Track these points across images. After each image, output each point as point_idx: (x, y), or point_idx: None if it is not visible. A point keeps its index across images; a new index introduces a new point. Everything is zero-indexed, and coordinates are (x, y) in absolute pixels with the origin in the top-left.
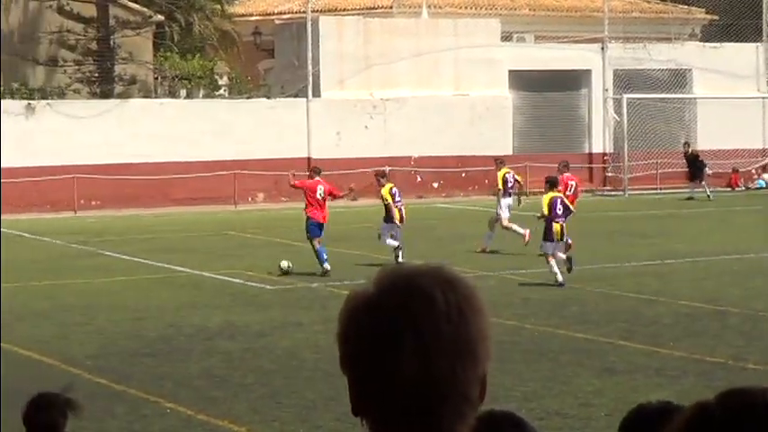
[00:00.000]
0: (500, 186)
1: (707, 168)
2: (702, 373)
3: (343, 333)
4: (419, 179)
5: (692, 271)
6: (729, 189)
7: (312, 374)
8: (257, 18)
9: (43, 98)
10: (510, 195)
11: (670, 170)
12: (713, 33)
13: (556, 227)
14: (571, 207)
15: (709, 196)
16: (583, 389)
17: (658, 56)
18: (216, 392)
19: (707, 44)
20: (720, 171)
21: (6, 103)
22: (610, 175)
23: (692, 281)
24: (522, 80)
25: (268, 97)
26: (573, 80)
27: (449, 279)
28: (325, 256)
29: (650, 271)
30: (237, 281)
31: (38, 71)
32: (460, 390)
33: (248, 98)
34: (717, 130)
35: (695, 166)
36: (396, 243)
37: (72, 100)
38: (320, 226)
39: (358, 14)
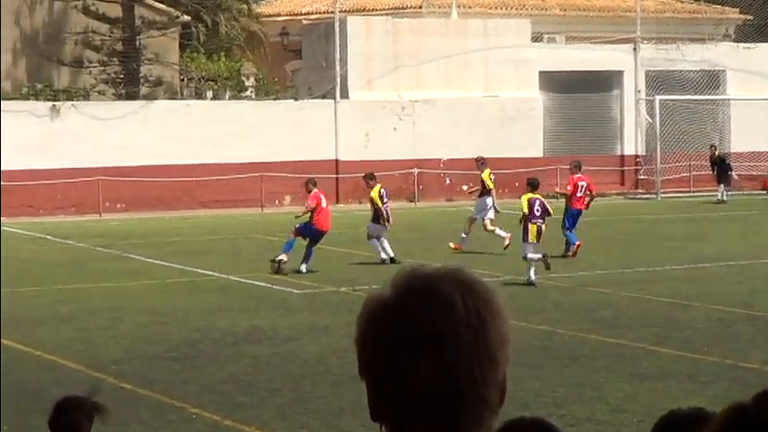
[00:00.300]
0: (490, 186)
1: (732, 172)
2: (736, 379)
3: (362, 337)
4: (448, 181)
5: (725, 275)
6: (764, 192)
7: (339, 379)
8: (284, 18)
9: (68, 99)
10: (491, 195)
11: (703, 172)
12: (747, 34)
13: (532, 228)
14: (550, 210)
15: (725, 200)
16: (614, 395)
17: (691, 56)
18: (242, 398)
19: (740, 45)
20: (755, 173)
21: (31, 104)
22: (642, 177)
23: (725, 285)
24: (553, 81)
25: (295, 99)
26: (604, 81)
27: (467, 282)
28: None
29: (683, 275)
30: (264, 284)
31: (63, 72)
32: (480, 394)
33: (275, 99)
34: (750, 132)
35: (721, 168)
36: (384, 255)
37: (97, 101)
38: (319, 237)
39: (386, 14)
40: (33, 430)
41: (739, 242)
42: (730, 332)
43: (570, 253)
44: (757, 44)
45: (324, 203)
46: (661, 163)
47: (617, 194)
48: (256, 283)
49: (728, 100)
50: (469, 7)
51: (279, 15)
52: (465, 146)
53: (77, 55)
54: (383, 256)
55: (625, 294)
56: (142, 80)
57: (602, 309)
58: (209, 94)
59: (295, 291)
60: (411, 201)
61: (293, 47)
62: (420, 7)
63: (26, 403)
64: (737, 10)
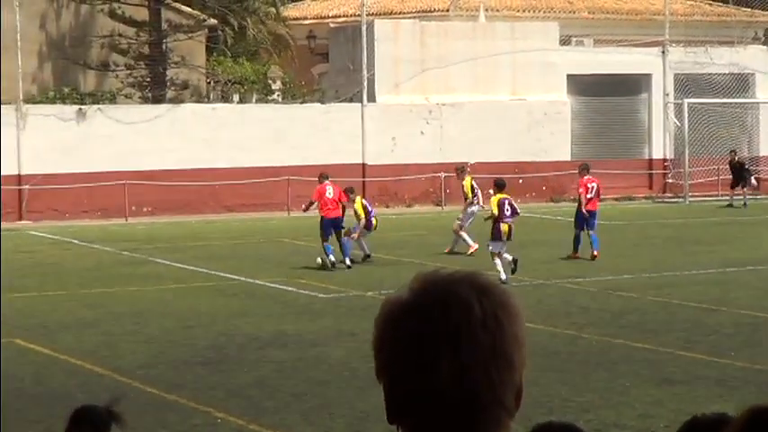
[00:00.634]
0: (469, 194)
1: (752, 177)
2: (764, 384)
3: (380, 340)
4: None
5: (753, 279)
6: None
7: (365, 384)
8: (311, 21)
9: (94, 103)
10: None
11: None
12: None
13: (504, 227)
14: (518, 209)
15: (745, 204)
16: (641, 400)
17: (720, 59)
18: (267, 402)
19: None
20: None
21: (58, 107)
22: (670, 181)
23: (753, 289)
24: (581, 85)
25: (322, 102)
26: (633, 85)
27: (484, 285)
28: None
29: (711, 279)
30: (290, 289)
31: (89, 76)
32: (496, 395)
33: (302, 103)
34: None
35: (741, 173)
36: (363, 252)
37: (123, 105)
38: (333, 224)
39: (414, 18)
40: None
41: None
42: (758, 337)
43: (576, 256)
44: None
45: (329, 194)
46: (689, 167)
47: (645, 198)
48: (282, 287)
49: (758, 103)
50: (497, 10)
51: (306, 18)
52: (492, 149)
53: (104, 58)
54: (368, 252)
55: (652, 299)
56: (168, 84)
57: (630, 313)
58: (236, 97)
59: (320, 295)
60: (438, 205)
61: (320, 50)
62: (447, 10)
63: (53, 409)
64: (767, 13)
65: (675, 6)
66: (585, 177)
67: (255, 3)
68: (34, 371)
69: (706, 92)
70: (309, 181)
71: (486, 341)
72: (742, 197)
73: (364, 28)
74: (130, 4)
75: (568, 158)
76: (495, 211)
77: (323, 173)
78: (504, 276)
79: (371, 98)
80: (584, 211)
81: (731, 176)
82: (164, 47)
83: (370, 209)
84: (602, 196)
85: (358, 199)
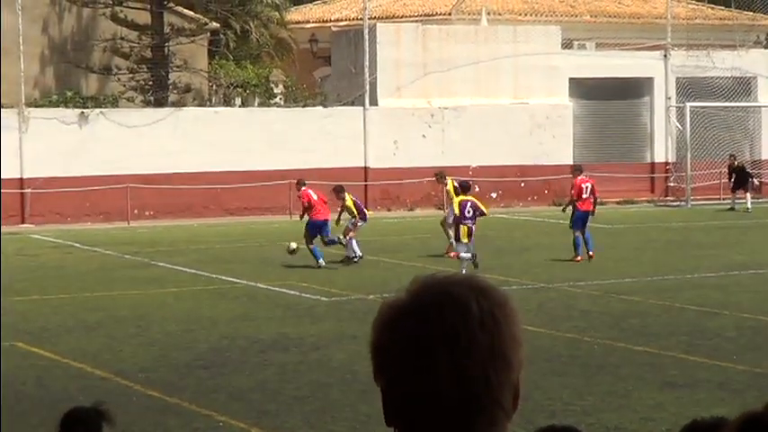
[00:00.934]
0: (454, 197)
1: (753, 179)
2: (766, 388)
3: (377, 341)
4: (477, 189)
5: (755, 283)
6: None
7: (366, 387)
8: (314, 25)
9: (97, 107)
10: None
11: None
12: None
13: (464, 229)
14: (484, 210)
15: (748, 209)
16: (643, 403)
17: (722, 63)
18: (269, 405)
19: None
20: None
21: (60, 111)
22: (672, 185)
23: (755, 293)
24: (583, 88)
25: (324, 105)
26: (635, 88)
27: (481, 286)
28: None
29: (712, 283)
30: (292, 292)
31: (91, 79)
32: (494, 396)
33: (304, 106)
34: None
35: (741, 177)
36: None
37: (126, 108)
38: (321, 226)
39: (416, 21)
40: None
41: None
42: (760, 340)
43: (576, 258)
44: None
45: (314, 197)
46: (691, 170)
47: (647, 202)
48: (284, 290)
49: (759, 107)
50: (499, 14)
51: (308, 22)
52: (494, 153)
53: (106, 62)
54: (359, 253)
55: (654, 302)
56: (171, 87)
57: (631, 317)
58: (238, 101)
59: (322, 298)
60: (440, 208)
61: (322, 54)
62: (449, 14)
63: (54, 412)
64: None
65: (677, 10)
66: (579, 178)
67: (258, 6)
68: (36, 374)
69: (708, 95)
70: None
71: (485, 341)
72: (745, 201)
73: (366, 31)
74: (133, 8)
75: (570, 162)
76: (457, 212)
77: (300, 179)
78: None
79: (373, 102)
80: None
81: (729, 180)
82: (166, 50)
83: (359, 204)
84: (601, 198)
85: (347, 196)
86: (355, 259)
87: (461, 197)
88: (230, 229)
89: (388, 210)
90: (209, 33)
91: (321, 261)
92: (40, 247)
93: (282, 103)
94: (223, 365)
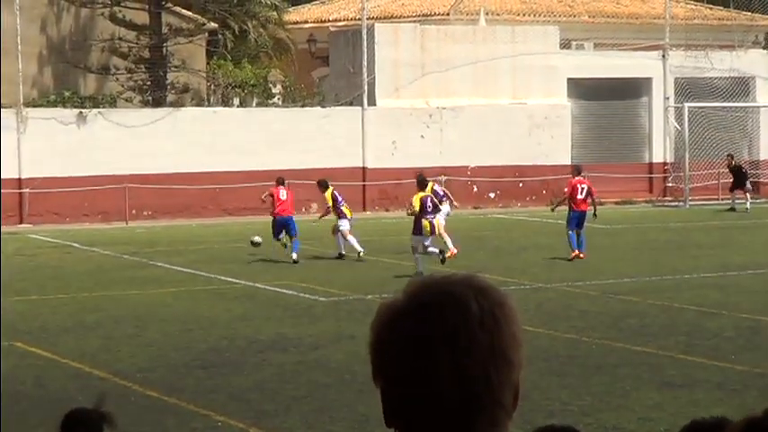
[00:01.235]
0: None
1: (747, 181)
2: (765, 388)
3: (377, 342)
4: (475, 189)
5: (753, 283)
6: None
7: (365, 388)
8: (312, 25)
9: (95, 107)
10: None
11: (732, 180)
12: None
13: (425, 223)
14: (439, 206)
15: (747, 208)
16: (641, 403)
17: (720, 64)
18: (268, 406)
19: None
20: None
21: (58, 111)
22: (670, 185)
23: (753, 293)
24: (581, 88)
25: (322, 106)
26: (633, 88)
27: (481, 286)
28: (296, 247)
29: (711, 283)
30: (290, 292)
31: (89, 79)
32: (495, 396)
33: (302, 107)
34: None
35: (740, 177)
36: (343, 251)
37: (124, 108)
38: (283, 223)
39: (414, 21)
40: None
41: (767, 250)
42: (759, 340)
43: (570, 257)
44: None
45: (282, 195)
46: (689, 171)
47: (645, 202)
48: (282, 290)
49: (758, 107)
50: (497, 14)
51: (306, 22)
52: (492, 153)
53: (104, 62)
54: (343, 251)
55: (652, 302)
56: (169, 87)
57: (630, 317)
58: (236, 101)
59: (321, 299)
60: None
61: (320, 54)
62: (447, 14)
63: (53, 412)
64: (767, 17)
65: (676, 10)
66: (576, 179)
67: (256, 7)
68: (35, 374)
69: (706, 96)
70: (310, 184)
71: (485, 341)
72: (744, 201)
73: (365, 32)
74: (131, 8)
75: (569, 162)
76: (417, 208)
77: (280, 177)
78: (420, 269)
79: (372, 102)
80: (573, 209)
81: (733, 180)
82: (164, 50)
83: (339, 199)
84: (599, 198)
85: (330, 189)
86: (339, 256)
87: (421, 194)
88: (228, 228)
89: (387, 210)
90: (207, 33)
91: (294, 255)
92: (38, 247)
93: (281, 103)
94: (221, 365)
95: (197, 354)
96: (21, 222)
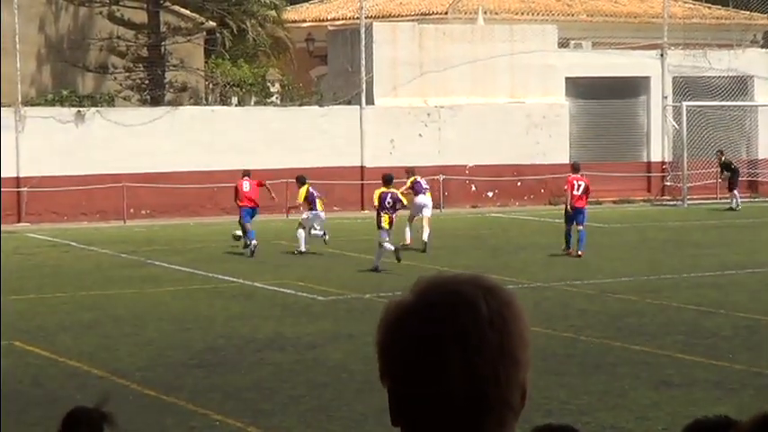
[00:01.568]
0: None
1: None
2: (763, 387)
3: (384, 341)
4: (473, 188)
5: (751, 282)
6: None
7: (363, 387)
8: (310, 24)
9: (93, 105)
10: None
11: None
12: None
13: (385, 217)
14: (404, 201)
15: (736, 206)
16: (639, 402)
17: (719, 63)
18: (265, 405)
19: None
20: None
21: (56, 110)
22: (668, 184)
23: (751, 292)
24: (580, 87)
25: (320, 105)
26: (631, 87)
27: (489, 286)
28: (252, 235)
29: (709, 282)
30: (288, 291)
31: (87, 78)
32: (503, 396)
33: (300, 105)
34: None
35: (734, 174)
36: (319, 233)
37: (122, 107)
38: (250, 212)
39: (412, 20)
40: None
41: (765, 249)
42: (757, 339)
43: (568, 252)
44: None
45: (245, 188)
46: (688, 170)
47: (643, 201)
48: (280, 289)
49: (756, 106)
50: (495, 13)
51: (304, 21)
52: (490, 152)
53: (102, 61)
54: (303, 248)
55: (651, 301)
56: (167, 86)
57: (628, 316)
58: (235, 100)
59: (319, 297)
60: (436, 207)
61: (318, 53)
62: (446, 13)
63: (51, 411)
64: (766, 16)
65: (674, 9)
66: (573, 176)
67: (254, 5)
68: (33, 373)
69: (704, 95)
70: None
71: (494, 340)
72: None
73: (363, 31)
74: (129, 7)
75: (567, 161)
76: (376, 203)
77: (246, 170)
78: (377, 264)
79: (370, 101)
80: (567, 208)
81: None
82: (162, 49)
83: (315, 195)
84: (599, 198)
85: (306, 186)
86: (296, 251)
87: (382, 189)
88: (226, 227)
89: None
90: (205, 32)
91: (254, 241)
92: (36, 246)
93: (279, 102)
94: (219, 365)
95: (195, 352)
96: (19, 221)
